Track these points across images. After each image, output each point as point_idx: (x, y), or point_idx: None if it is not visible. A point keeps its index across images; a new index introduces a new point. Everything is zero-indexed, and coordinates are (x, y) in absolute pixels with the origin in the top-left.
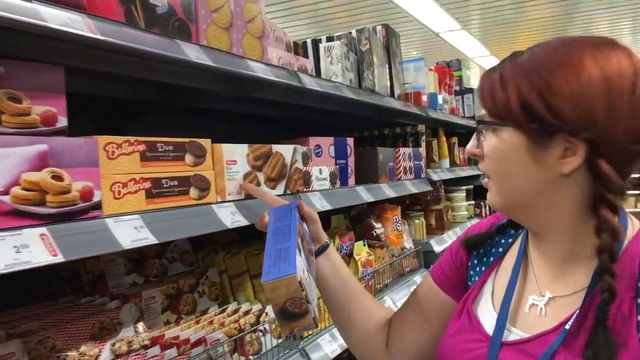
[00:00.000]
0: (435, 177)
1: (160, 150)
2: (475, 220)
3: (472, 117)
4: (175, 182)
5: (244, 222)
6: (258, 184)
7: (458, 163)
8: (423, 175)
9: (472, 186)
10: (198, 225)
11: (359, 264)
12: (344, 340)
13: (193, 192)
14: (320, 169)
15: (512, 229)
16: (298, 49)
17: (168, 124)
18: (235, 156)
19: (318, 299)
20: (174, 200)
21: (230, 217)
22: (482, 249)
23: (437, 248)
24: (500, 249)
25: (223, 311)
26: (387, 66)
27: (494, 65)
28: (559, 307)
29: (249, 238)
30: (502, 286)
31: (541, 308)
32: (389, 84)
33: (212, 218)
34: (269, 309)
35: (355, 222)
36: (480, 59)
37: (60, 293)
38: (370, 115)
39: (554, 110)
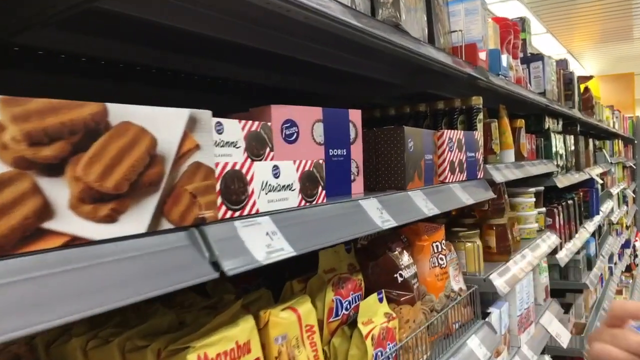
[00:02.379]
0: (498, 178)
1: None
2: (546, 235)
3: (543, 93)
4: None
5: None
6: (45, 212)
7: (525, 156)
8: (480, 174)
9: (542, 188)
10: None
11: (368, 341)
12: None
13: None
14: (275, 167)
15: None
16: None
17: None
18: None
19: None
20: None
21: None
22: None
23: (501, 285)
24: None
25: None
26: (423, 2)
27: None
28: None
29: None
30: None
31: None
32: (426, 28)
33: None
34: None
35: (365, 257)
36: (535, 37)
37: None
38: (395, 81)
39: None
